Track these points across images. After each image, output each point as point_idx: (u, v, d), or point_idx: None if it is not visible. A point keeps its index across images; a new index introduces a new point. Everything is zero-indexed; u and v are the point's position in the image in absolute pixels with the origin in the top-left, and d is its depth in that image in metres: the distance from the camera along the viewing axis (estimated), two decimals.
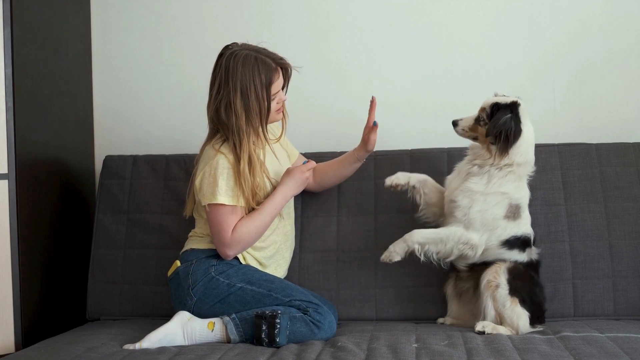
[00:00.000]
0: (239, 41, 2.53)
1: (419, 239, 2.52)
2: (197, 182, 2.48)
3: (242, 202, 2.45)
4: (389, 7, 3.11)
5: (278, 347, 2.30)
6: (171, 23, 3.19)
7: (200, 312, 2.44)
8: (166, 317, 2.44)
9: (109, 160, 2.97)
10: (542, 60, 3.06)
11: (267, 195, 2.51)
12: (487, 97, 2.57)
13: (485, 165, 2.53)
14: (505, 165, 2.50)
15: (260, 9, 3.15)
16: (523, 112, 2.52)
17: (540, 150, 2.82)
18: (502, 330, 2.41)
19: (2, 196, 2.56)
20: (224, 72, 2.46)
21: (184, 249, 2.58)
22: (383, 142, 2.96)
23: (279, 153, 2.65)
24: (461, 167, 2.61)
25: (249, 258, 2.54)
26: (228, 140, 2.47)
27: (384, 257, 2.55)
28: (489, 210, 2.51)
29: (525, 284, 2.48)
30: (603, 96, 3.04)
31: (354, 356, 2.16)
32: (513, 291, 2.44)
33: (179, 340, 2.35)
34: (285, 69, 2.53)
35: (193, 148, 3.01)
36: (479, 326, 2.40)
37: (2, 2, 2.53)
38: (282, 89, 2.56)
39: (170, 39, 3.19)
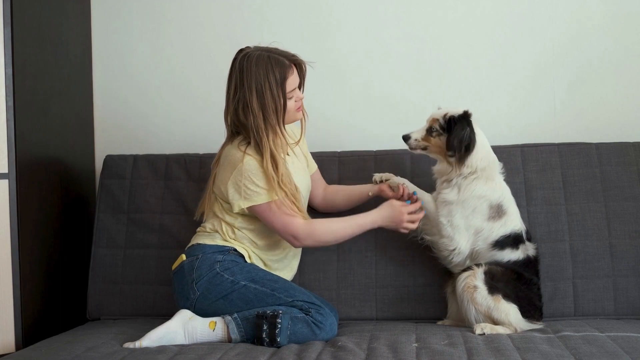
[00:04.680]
0: (242, 42, 2.54)
1: (427, 199, 2.59)
2: (229, 187, 2.46)
3: (281, 194, 2.45)
4: (389, 7, 3.11)
5: (279, 347, 2.30)
6: (171, 23, 3.19)
7: (202, 307, 2.44)
8: (166, 316, 2.44)
9: (109, 160, 2.97)
10: (542, 60, 3.06)
11: (296, 190, 2.51)
12: (433, 111, 2.59)
13: (451, 178, 2.55)
14: (469, 173, 2.52)
15: (260, 9, 3.15)
16: (474, 120, 2.54)
17: (541, 150, 2.83)
18: (501, 329, 2.40)
19: (2, 196, 2.55)
20: (238, 74, 2.47)
21: (190, 244, 2.58)
22: (383, 142, 2.97)
23: (298, 157, 2.66)
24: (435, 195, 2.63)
25: (254, 258, 2.55)
26: (251, 141, 2.48)
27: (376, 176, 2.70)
28: (470, 215, 2.53)
29: (508, 282, 2.47)
30: (603, 96, 3.04)
31: (354, 356, 2.15)
32: (493, 290, 2.44)
33: (179, 339, 2.35)
34: (299, 65, 2.54)
35: (193, 148, 3.02)
36: (477, 329, 2.39)
37: (2, 2, 2.53)
38: (299, 87, 2.56)
39: (170, 39, 3.19)
